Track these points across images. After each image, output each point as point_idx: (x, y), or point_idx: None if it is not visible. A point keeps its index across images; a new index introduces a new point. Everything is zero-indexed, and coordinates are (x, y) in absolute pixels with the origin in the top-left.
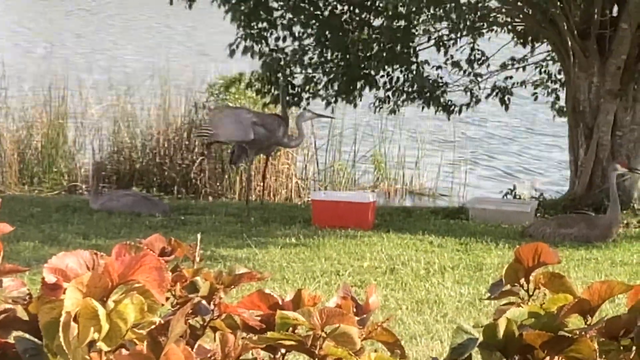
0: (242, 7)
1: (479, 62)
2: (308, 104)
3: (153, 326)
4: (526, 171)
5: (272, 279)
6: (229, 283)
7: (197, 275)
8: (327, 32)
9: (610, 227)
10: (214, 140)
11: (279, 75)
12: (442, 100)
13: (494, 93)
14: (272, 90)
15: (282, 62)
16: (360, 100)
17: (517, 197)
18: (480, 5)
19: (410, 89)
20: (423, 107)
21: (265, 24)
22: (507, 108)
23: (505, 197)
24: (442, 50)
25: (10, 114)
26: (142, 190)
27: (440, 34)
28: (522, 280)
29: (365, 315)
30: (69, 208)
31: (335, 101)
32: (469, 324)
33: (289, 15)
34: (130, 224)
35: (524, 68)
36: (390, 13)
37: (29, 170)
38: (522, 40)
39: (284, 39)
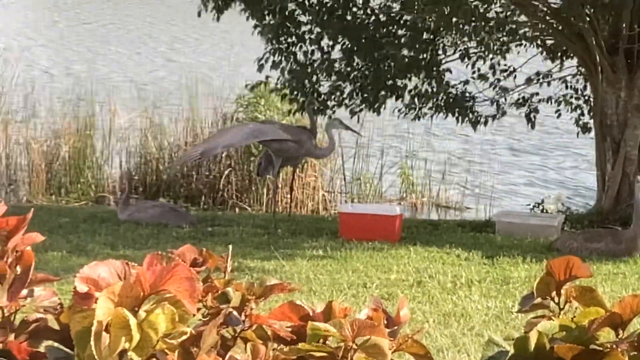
0: (271, 22)
1: (506, 75)
2: (334, 112)
3: (184, 336)
4: (553, 185)
5: (299, 291)
6: (260, 294)
7: (228, 286)
8: (355, 44)
9: (635, 240)
10: (208, 154)
11: (305, 82)
12: (468, 112)
13: (520, 107)
14: (299, 97)
15: (309, 70)
16: (384, 108)
17: (544, 210)
18: (509, 19)
19: (436, 101)
20: (446, 116)
21: (293, 39)
22: (533, 126)
23: (532, 211)
24: (469, 63)
25: (38, 124)
26: (169, 202)
27: (467, 46)
28: (554, 294)
29: (396, 328)
30: (97, 218)
31: (360, 110)
32: (495, 336)
33: (318, 29)
34: (157, 235)
35: (548, 83)
36: (418, 26)
37: (57, 181)
38: (550, 55)
39: (312, 53)
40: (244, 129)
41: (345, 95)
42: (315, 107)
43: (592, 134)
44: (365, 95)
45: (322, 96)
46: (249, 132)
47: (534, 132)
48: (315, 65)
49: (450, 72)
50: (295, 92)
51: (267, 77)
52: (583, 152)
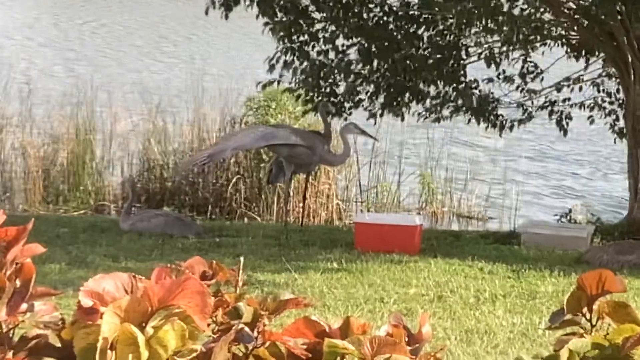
0: (283, 19)
1: (532, 77)
2: (350, 114)
3: (194, 354)
4: (581, 194)
5: (312, 306)
6: (274, 309)
7: (240, 301)
8: (372, 44)
9: None
10: (217, 158)
11: (321, 82)
12: (492, 116)
13: (550, 113)
14: (315, 98)
15: (325, 69)
16: (408, 112)
17: (572, 221)
18: (533, 17)
19: (457, 103)
20: (470, 120)
21: (306, 37)
22: (565, 133)
23: (559, 222)
24: (493, 65)
25: (35, 128)
26: (173, 211)
27: (491, 47)
28: (585, 309)
29: (417, 345)
30: (97, 228)
31: (382, 114)
32: (523, 355)
33: (332, 27)
34: (162, 246)
35: (580, 88)
36: (439, 26)
37: (54, 188)
38: (575, 54)
39: (326, 53)
40: (255, 132)
41: (363, 97)
42: (331, 111)
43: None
44: (386, 98)
45: (339, 97)
46: (260, 135)
47: (560, 138)
48: (332, 64)
49: (477, 83)
50: (311, 93)
51: (280, 75)
52: (614, 158)
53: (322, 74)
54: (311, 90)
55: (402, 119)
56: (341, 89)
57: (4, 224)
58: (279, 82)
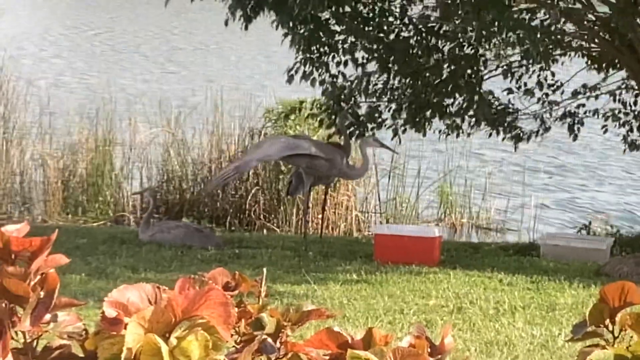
0: (302, 30)
1: (553, 89)
2: (373, 134)
3: None
4: (601, 206)
5: (330, 318)
6: (296, 320)
7: (262, 312)
8: (391, 57)
9: None
10: (243, 169)
11: (343, 104)
12: (510, 127)
13: (565, 120)
14: (336, 122)
15: (345, 91)
16: (430, 128)
17: (592, 233)
18: (554, 29)
19: (477, 116)
20: (490, 134)
21: (326, 48)
22: (575, 138)
23: (579, 233)
24: (511, 78)
25: (54, 139)
26: (192, 222)
27: (509, 61)
28: (607, 321)
29: (439, 356)
30: (117, 239)
31: (404, 131)
32: None
33: (351, 38)
34: (181, 257)
35: (596, 97)
36: (459, 39)
37: (74, 199)
38: (596, 66)
39: (345, 64)
40: (279, 142)
41: (384, 117)
42: (351, 125)
43: None
44: (408, 114)
45: (361, 118)
46: (285, 145)
47: (580, 149)
48: (352, 85)
49: (493, 95)
50: (333, 117)
51: (301, 102)
52: (633, 170)
53: (342, 96)
54: (333, 113)
55: (424, 135)
56: (363, 109)
57: (25, 235)
58: (299, 109)
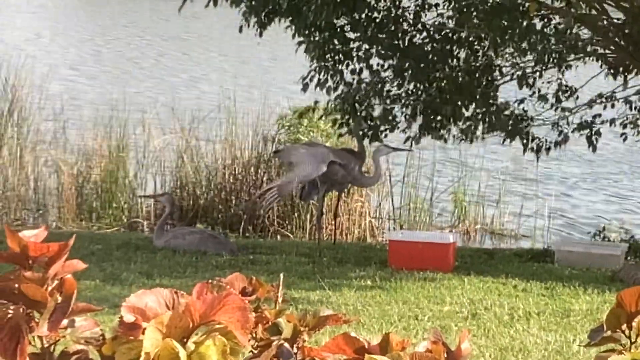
0: (317, 38)
1: (567, 95)
2: (386, 136)
3: None
4: (615, 212)
5: (346, 323)
6: (314, 325)
7: (279, 317)
8: (406, 64)
9: None
10: (285, 194)
11: (357, 106)
12: (525, 136)
13: (581, 130)
14: (350, 122)
15: (360, 93)
16: (448, 134)
17: (606, 239)
18: (568, 34)
19: (491, 124)
20: (504, 140)
21: (340, 56)
22: (594, 149)
23: (593, 239)
24: (526, 86)
25: (68, 146)
26: (206, 228)
27: (524, 67)
28: (624, 326)
29: None
30: (131, 245)
31: (419, 138)
32: None
33: (366, 46)
34: (195, 263)
35: (612, 105)
36: (474, 46)
37: (88, 205)
38: (612, 72)
39: (360, 72)
40: (313, 157)
41: (398, 120)
42: (365, 130)
43: None
44: (423, 120)
45: (375, 121)
46: (319, 160)
47: (593, 155)
48: (367, 86)
49: (509, 105)
50: (347, 117)
51: (315, 102)
52: None
53: (357, 97)
54: (347, 114)
55: (445, 142)
56: (377, 112)
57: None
58: (314, 109)
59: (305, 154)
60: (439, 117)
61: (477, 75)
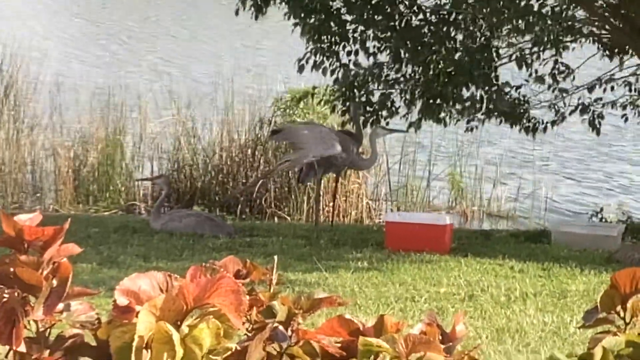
0: (312, 20)
1: (564, 76)
2: (387, 123)
3: (229, 352)
4: (612, 192)
5: (342, 305)
6: (308, 308)
7: (274, 300)
8: (402, 46)
9: None
10: (300, 164)
11: (355, 92)
12: (524, 118)
13: (583, 113)
14: (349, 107)
15: (358, 78)
16: (451, 119)
17: (603, 220)
18: (564, 15)
19: (490, 107)
20: (501, 122)
21: (336, 38)
22: (598, 133)
23: (590, 220)
24: (524, 67)
25: (65, 129)
26: (203, 210)
27: (521, 47)
28: (619, 308)
29: (451, 344)
30: (128, 228)
31: (420, 122)
32: (559, 354)
33: (362, 27)
34: (192, 245)
35: (612, 88)
36: (470, 27)
37: (85, 188)
38: (608, 53)
39: (356, 53)
40: (327, 136)
41: (398, 106)
42: (366, 116)
43: None
44: (423, 104)
45: (374, 105)
46: (331, 139)
47: (591, 136)
48: (365, 72)
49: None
50: (347, 103)
51: (314, 87)
52: None
53: (356, 83)
54: (347, 100)
55: (445, 125)
56: (376, 97)
57: (38, 225)
58: (313, 95)
59: (313, 133)
60: (438, 101)
61: (475, 56)
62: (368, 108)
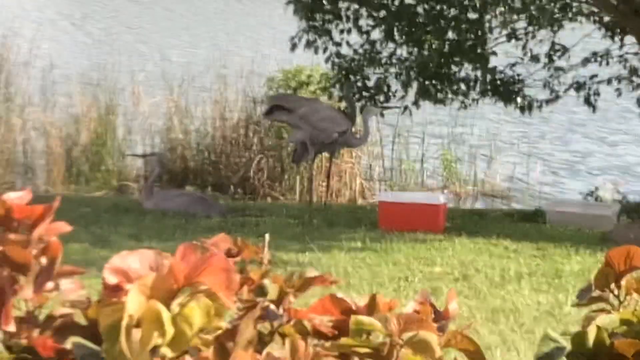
0: None
1: (559, 55)
2: (383, 107)
3: (220, 331)
4: (607, 172)
5: (336, 285)
6: (300, 287)
7: (265, 278)
8: (396, 25)
9: None
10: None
11: (351, 76)
12: (519, 97)
13: (578, 90)
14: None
15: (354, 63)
16: (446, 99)
17: (599, 199)
18: None
19: (483, 86)
20: (496, 101)
21: (329, 16)
22: (594, 110)
23: (585, 200)
24: (517, 44)
25: (56, 108)
26: (196, 190)
27: (515, 26)
28: (613, 286)
29: (444, 322)
30: (120, 208)
31: (417, 103)
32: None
33: (355, 6)
34: (184, 225)
35: (607, 62)
36: (463, 3)
37: (76, 168)
38: (610, 33)
39: (349, 32)
40: (332, 115)
41: (394, 90)
42: (360, 97)
43: None
44: (419, 85)
45: (370, 90)
46: (339, 119)
47: (586, 114)
48: (360, 56)
49: (496, 54)
50: (344, 90)
51: (309, 76)
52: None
53: (352, 67)
54: (344, 86)
55: (444, 105)
56: (372, 82)
57: (28, 203)
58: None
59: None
60: (433, 81)
61: (468, 34)
62: (364, 93)
